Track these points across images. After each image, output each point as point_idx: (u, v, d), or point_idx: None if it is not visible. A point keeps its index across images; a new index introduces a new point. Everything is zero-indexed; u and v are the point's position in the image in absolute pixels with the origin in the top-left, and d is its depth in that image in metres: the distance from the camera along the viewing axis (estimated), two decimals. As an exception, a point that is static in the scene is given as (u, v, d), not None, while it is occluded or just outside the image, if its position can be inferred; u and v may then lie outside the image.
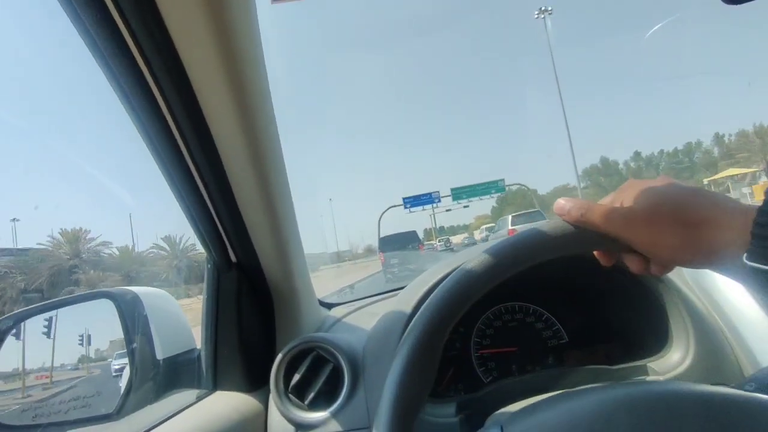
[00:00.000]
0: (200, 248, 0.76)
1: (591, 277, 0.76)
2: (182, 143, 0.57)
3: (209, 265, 0.76)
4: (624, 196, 0.43)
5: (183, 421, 0.68)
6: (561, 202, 0.45)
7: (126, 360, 0.72)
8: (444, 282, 0.45)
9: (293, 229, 0.77)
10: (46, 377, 0.76)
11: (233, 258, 0.75)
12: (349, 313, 0.96)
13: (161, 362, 0.75)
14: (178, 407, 0.71)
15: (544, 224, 0.47)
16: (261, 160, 0.63)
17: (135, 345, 0.73)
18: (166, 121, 0.54)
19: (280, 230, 0.73)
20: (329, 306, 1.04)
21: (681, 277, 0.70)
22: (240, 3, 0.47)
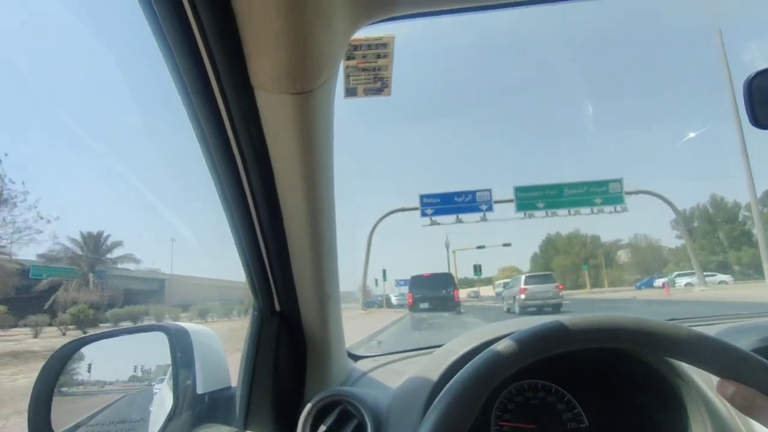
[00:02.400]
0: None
1: (618, 367, 0.78)
2: (252, 203, 0.66)
3: (255, 312, 0.83)
4: None
5: None
6: (725, 385, 0.48)
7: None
8: (471, 362, 0.49)
9: (335, 284, 0.84)
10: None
11: (277, 307, 0.82)
12: (376, 368, 1.00)
13: (201, 396, 0.81)
14: None
15: (575, 318, 0.52)
16: (317, 223, 0.70)
17: (180, 377, 0.80)
18: (241, 181, 0.63)
19: (323, 284, 0.80)
20: (356, 358, 1.09)
21: (706, 380, 0.72)
22: (326, 105, 0.56)
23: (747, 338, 0.79)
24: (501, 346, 0.50)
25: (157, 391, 0.84)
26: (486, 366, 0.48)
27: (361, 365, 1.05)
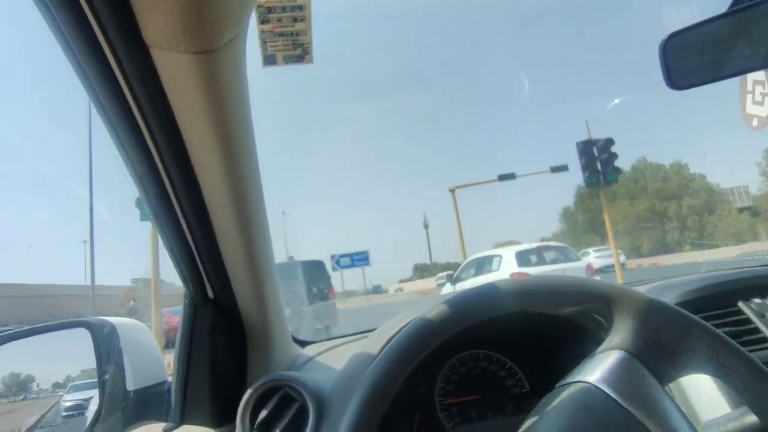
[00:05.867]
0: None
1: (552, 328, 0.80)
2: (167, 180, 0.61)
3: (186, 300, 0.79)
4: None
5: None
6: None
7: (80, 395, 0.73)
8: (401, 331, 0.48)
9: (270, 268, 0.81)
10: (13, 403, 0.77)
11: (210, 294, 0.78)
12: (323, 352, 0.98)
13: (131, 394, 0.76)
14: None
15: (503, 281, 0.52)
16: (242, 201, 0.67)
17: (107, 375, 0.74)
18: (152, 157, 0.58)
19: (257, 268, 0.76)
20: (303, 344, 1.06)
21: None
22: (233, 67, 0.52)
23: (670, 294, 0.82)
24: (433, 311, 0.49)
25: (69, 402, 0.78)
26: (412, 336, 0.47)
27: (309, 350, 1.02)
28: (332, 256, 21.68)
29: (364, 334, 1.06)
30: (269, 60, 0.66)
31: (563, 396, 0.45)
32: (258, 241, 0.73)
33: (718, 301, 0.81)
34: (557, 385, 0.50)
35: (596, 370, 0.47)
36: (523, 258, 8.63)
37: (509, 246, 10.04)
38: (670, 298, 0.80)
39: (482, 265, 9.30)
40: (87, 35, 0.44)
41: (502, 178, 16.96)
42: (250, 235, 0.71)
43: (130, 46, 0.45)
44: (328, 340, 1.08)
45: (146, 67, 0.47)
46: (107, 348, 0.76)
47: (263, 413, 0.73)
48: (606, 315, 0.54)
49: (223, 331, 0.81)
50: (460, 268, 10.17)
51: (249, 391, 0.75)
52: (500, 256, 8.92)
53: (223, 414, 0.79)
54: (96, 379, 0.74)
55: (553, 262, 8.89)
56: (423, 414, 0.83)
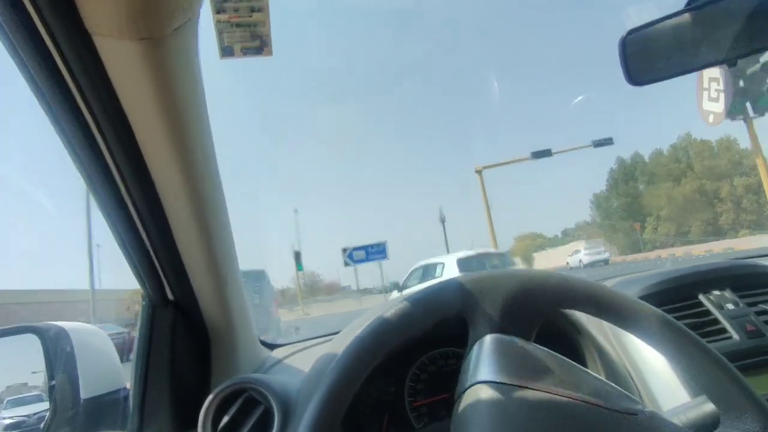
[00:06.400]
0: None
1: None
2: (118, 175, 0.58)
3: (144, 302, 0.75)
4: None
5: None
6: None
7: (22, 410, 0.69)
8: (361, 331, 0.47)
9: (233, 267, 0.78)
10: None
11: (170, 295, 0.75)
12: (290, 355, 0.96)
13: (85, 402, 0.73)
14: None
15: (466, 276, 0.51)
16: (199, 197, 0.64)
17: (58, 383, 0.70)
18: (102, 153, 0.55)
19: (218, 268, 0.74)
20: (271, 347, 1.04)
21: (602, 332, 0.75)
22: (184, 56, 0.50)
23: (633, 288, 0.84)
24: (391, 311, 0.48)
25: (8, 419, 0.74)
26: (369, 336, 0.46)
27: (278, 353, 1.00)
28: (344, 250, 18.40)
29: (333, 336, 1.04)
30: (226, 51, 0.64)
31: (464, 408, 0.43)
32: (218, 239, 0.71)
33: (680, 294, 0.83)
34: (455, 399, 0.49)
35: (478, 368, 0.45)
36: (463, 265, 8.98)
37: (453, 253, 10.36)
38: (633, 293, 0.81)
39: (427, 272, 9.70)
40: (24, 22, 0.41)
41: (537, 155, 15.88)
42: (209, 233, 0.68)
43: (71, 34, 0.42)
44: (297, 342, 1.05)
45: (90, 56, 0.45)
46: (58, 354, 0.72)
47: (226, 418, 0.70)
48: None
49: (185, 334, 0.78)
50: (407, 276, 10.50)
51: (211, 396, 0.72)
52: (443, 263, 9.41)
53: (185, 421, 0.76)
54: (37, 393, 0.69)
55: (494, 268, 8.99)
56: (392, 414, 0.81)
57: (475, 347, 0.44)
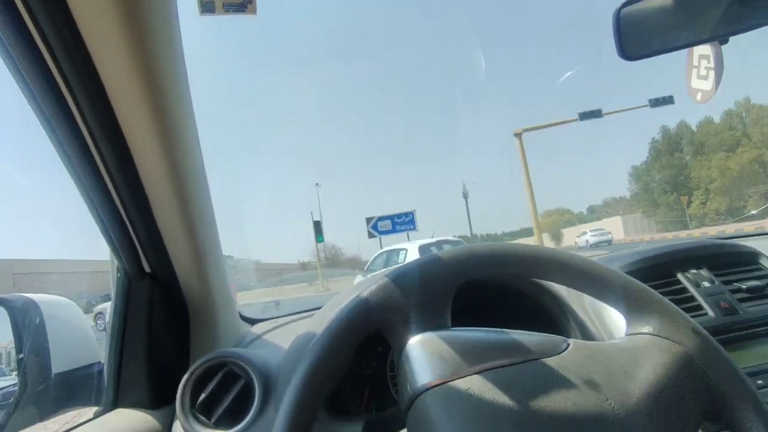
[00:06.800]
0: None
1: (498, 298, 0.81)
2: (91, 141, 0.55)
3: (119, 273, 0.72)
4: None
5: None
6: None
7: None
8: (342, 307, 0.46)
9: (212, 238, 0.76)
10: None
11: (146, 267, 0.72)
12: (271, 330, 0.94)
13: (57, 376, 0.70)
14: (70, 425, 0.66)
15: (445, 252, 0.49)
16: (176, 163, 0.61)
17: (26, 357, 0.67)
18: (73, 117, 0.52)
19: (197, 239, 0.71)
20: (252, 321, 1.02)
21: (582, 307, 0.76)
22: (159, 8, 0.47)
23: (613, 266, 0.85)
24: (371, 289, 0.46)
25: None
26: (350, 313, 0.44)
27: (258, 329, 0.98)
28: (368, 219, 16.64)
29: (314, 311, 1.03)
30: (207, 8, 0.60)
31: (417, 421, 0.42)
32: (197, 208, 0.68)
33: (658, 272, 0.84)
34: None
35: (414, 376, 0.42)
36: (424, 251, 9.08)
37: (416, 241, 10.87)
38: None
39: (390, 257, 10.31)
40: None
41: (585, 116, 14.24)
42: (187, 201, 0.65)
43: None
44: (278, 317, 1.04)
45: (61, 12, 0.41)
46: (27, 326, 0.69)
47: (205, 393, 0.69)
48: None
49: (162, 307, 0.75)
50: (371, 260, 10.95)
51: (190, 370, 0.70)
52: (406, 250, 10.05)
53: (162, 395, 0.74)
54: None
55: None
56: (373, 388, 0.81)
57: (402, 358, 0.43)
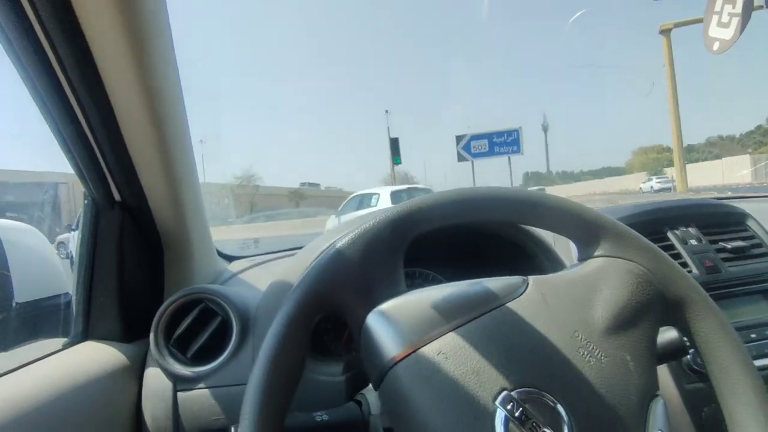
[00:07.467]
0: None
1: (484, 245, 0.79)
2: (55, 61, 0.48)
3: (86, 201, 0.67)
4: None
5: (42, 371, 0.60)
6: None
7: None
8: (324, 251, 0.42)
9: (189, 164, 0.70)
10: None
11: (116, 196, 0.67)
12: (249, 268, 0.91)
13: (19, 306, 0.66)
14: (36, 356, 0.63)
15: (429, 197, 0.45)
16: (149, 78, 0.55)
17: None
18: (36, 35, 0.45)
19: (172, 165, 0.65)
20: (230, 259, 0.99)
21: (562, 247, 0.76)
22: None
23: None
24: (355, 233, 0.42)
25: None
26: (302, 296, 0.41)
27: (235, 266, 0.95)
28: (458, 138, 13.26)
29: (292, 251, 1.00)
30: None
31: (392, 394, 0.39)
32: (172, 130, 0.62)
33: (648, 228, 0.83)
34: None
35: (381, 348, 0.39)
36: (396, 197, 9.65)
37: (388, 186, 11.09)
38: None
39: (363, 201, 10.38)
40: None
41: None
42: (160, 121, 0.59)
43: None
44: (256, 255, 1.01)
45: None
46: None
47: (181, 327, 0.66)
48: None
49: (134, 239, 0.71)
50: (343, 204, 11.00)
51: (166, 303, 0.67)
52: (378, 194, 10.22)
53: (135, 328, 0.72)
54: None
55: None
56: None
57: (363, 336, 0.40)
